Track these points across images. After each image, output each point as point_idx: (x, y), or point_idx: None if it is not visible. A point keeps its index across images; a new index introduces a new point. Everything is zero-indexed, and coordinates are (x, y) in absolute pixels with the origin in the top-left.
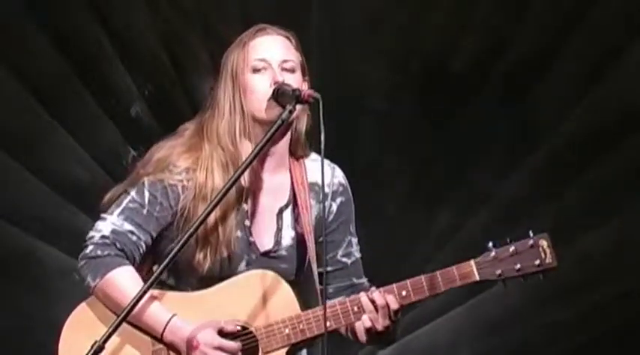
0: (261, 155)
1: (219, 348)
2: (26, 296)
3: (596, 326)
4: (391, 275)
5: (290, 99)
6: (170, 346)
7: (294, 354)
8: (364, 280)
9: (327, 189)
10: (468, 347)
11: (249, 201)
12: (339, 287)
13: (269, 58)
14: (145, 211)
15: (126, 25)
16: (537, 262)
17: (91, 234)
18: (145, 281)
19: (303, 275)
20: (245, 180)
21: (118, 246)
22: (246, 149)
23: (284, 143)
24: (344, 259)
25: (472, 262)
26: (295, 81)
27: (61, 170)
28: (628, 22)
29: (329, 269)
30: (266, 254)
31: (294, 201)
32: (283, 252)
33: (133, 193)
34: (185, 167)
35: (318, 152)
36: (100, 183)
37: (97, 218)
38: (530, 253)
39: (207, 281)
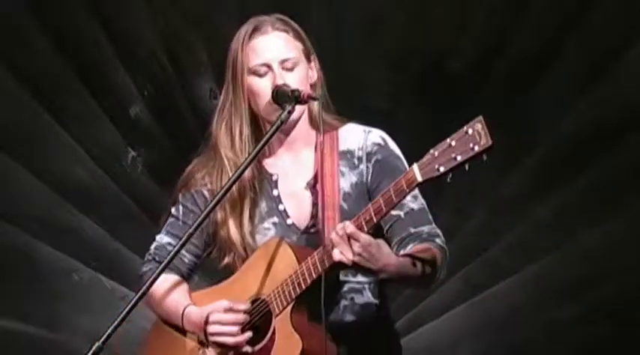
0: (282, 139)
1: (219, 323)
2: (26, 296)
3: (597, 326)
4: None
5: (289, 99)
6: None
7: (309, 311)
8: (423, 228)
9: (360, 153)
10: (468, 347)
11: (279, 186)
12: (400, 239)
13: (269, 61)
14: (180, 222)
15: (126, 25)
16: (472, 146)
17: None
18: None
19: None
20: (269, 167)
21: (158, 259)
22: (250, 150)
23: (303, 123)
24: (395, 212)
25: (415, 165)
26: (296, 78)
27: (60, 170)
28: (628, 22)
29: (387, 226)
30: (306, 231)
31: (321, 174)
32: (321, 226)
33: (172, 210)
34: (205, 172)
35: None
36: (100, 183)
37: (99, 221)
38: (466, 140)
39: None
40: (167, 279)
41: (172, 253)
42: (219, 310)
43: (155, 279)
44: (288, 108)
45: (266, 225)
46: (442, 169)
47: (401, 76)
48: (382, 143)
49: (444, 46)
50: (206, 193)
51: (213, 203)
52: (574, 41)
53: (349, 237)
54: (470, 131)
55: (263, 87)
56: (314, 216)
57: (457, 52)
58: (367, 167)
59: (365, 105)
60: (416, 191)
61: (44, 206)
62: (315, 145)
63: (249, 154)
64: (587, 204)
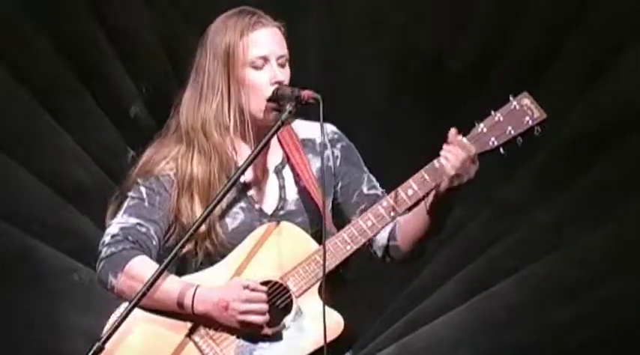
0: (244, 133)
1: (248, 300)
2: (26, 297)
3: (596, 326)
4: (391, 274)
5: (290, 100)
6: (204, 317)
7: (331, 289)
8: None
9: (321, 140)
10: (468, 347)
11: (245, 172)
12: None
13: (269, 55)
14: (145, 204)
15: (126, 25)
16: (527, 119)
17: (102, 240)
18: None
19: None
20: (235, 159)
21: (130, 238)
22: (234, 144)
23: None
24: (372, 191)
25: (463, 139)
26: (286, 76)
27: (60, 170)
28: (628, 22)
29: (364, 206)
30: (274, 214)
31: (288, 160)
32: (292, 207)
33: (130, 194)
34: (170, 156)
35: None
36: (100, 183)
37: (99, 221)
38: (517, 114)
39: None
40: (151, 261)
41: (173, 252)
42: (240, 288)
43: (160, 274)
44: (289, 108)
45: (234, 209)
46: (496, 142)
47: (401, 76)
48: (338, 132)
49: (444, 46)
50: (174, 178)
51: (214, 203)
52: (574, 41)
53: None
54: (517, 106)
55: (260, 81)
56: (282, 198)
57: (457, 52)
58: (333, 152)
59: (365, 105)
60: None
61: (44, 206)
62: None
63: (232, 148)
64: (587, 204)
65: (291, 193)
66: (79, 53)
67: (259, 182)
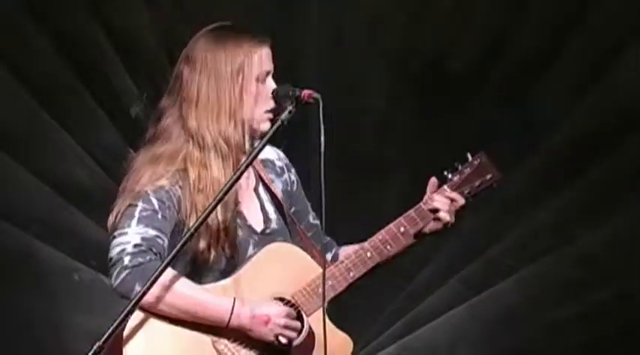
0: (244, 146)
1: (288, 316)
2: (26, 296)
3: (596, 326)
4: (390, 273)
5: (290, 99)
6: (235, 330)
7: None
8: (327, 238)
9: (280, 163)
10: (468, 347)
11: (237, 191)
12: (322, 246)
13: (270, 69)
14: (159, 216)
15: (126, 25)
16: (489, 176)
17: (119, 248)
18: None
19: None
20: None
21: (154, 250)
22: (239, 156)
23: None
24: (315, 221)
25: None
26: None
27: (60, 170)
28: (628, 22)
29: (309, 234)
30: (262, 232)
31: (261, 179)
32: (275, 226)
33: (140, 204)
34: (175, 169)
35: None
36: (100, 183)
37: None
38: (480, 170)
39: (228, 273)
40: (177, 275)
41: (177, 247)
42: (280, 305)
43: (159, 275)
44: (290, 108)
45: (234, 224)
46: (471, 193)
47: (401, 76)
48: (287, 158)
49: (444, 46)
50: (180, 193)
51: (216, 200)
52: (574, 41)
53: (452, 200)
54: (478, 163)
55: (265, 94)
56: (266, 218)
57: (457, 52)
58: (290, 177)
59: (365, 105)
60: None
61: (44, 206)
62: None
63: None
64: (587, 204)
65: (271, 212)
66: (79, 53)
67: (246, 200)
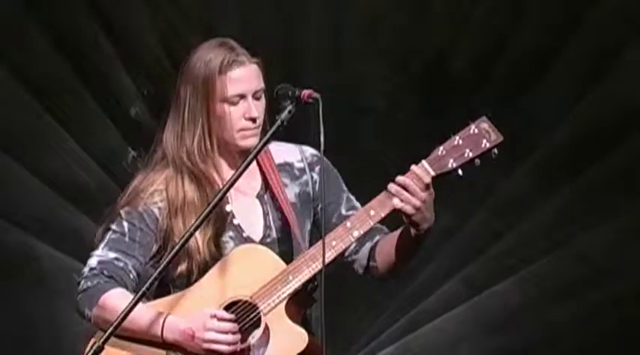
0: (229, 158)
1: (213, 330)
2: (26, 297)
3: (597, 326)
4: None
5: (289, 99)
6: (175, 346)
7: (302, 309)
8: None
9: (300, 165)
10: (468, 347)
11: (232, 201)
12: (360, 238)
13: (245, 92)
14: (126, 239)
15: (126, 25)
16: (484, 142)
17: (82, 271)
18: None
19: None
20: (219, 184)
21: (106, 273)
22: (219, 164)
23: None
24: (351, 212)
25: (424, 162)
26: (261, 107)
27: (61, 170)
28: (628, 22)
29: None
30: (261, 241)
31: (267, 185)
32: (277, 234)
33: (113, 226)
34: (154, 189)
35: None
36: (100, 183)
37: (100, 221)
38: (476, 137)
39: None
40: (125, 293)
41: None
42: (206, 317)
43: (145, 291)
44: (289, 108)
45: (224, 238)
46: (455, 164)
47: (401, 76)
48: (318, 154)
49: (444, 46)
50: (157, 213)
51: (201, 217)
52: (574, 41)
53: (426, 186)
54: (476, 130)
55: (235, 116)
56: (267, 226)
57: (457, 52)
58: (312, 176)
59: (365, 105)
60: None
61: (45, 206)
62: (256, 161)
63: (218, 169)
64: (587, 204)
65: (275, 220)
66: (79, 53)
67: (244, 209)
